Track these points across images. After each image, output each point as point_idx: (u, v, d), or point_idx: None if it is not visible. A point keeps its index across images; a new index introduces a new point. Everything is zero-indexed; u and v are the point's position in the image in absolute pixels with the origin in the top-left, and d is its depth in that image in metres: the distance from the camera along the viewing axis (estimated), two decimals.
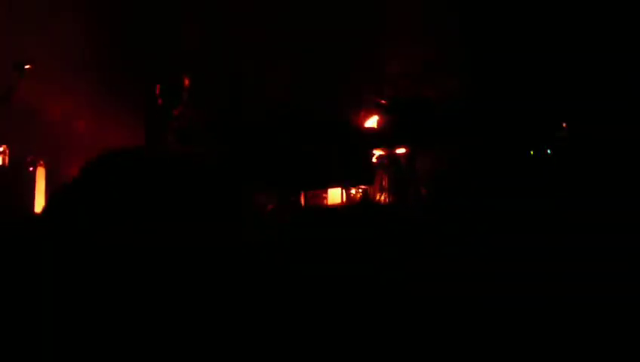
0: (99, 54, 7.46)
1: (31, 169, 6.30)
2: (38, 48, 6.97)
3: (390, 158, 7.00)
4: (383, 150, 7.07)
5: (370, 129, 7.16)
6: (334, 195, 7.09)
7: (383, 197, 7.01)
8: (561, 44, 7.41)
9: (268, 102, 7.39)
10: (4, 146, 6.28)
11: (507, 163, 7.05)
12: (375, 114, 7.15)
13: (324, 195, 7.14)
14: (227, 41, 7.78)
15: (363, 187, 6.94)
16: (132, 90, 7.37)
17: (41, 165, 6.42)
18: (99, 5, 7.59)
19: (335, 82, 7.68)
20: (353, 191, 6.95)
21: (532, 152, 7.11)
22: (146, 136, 6.68)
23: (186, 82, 6.58)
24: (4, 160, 6.23)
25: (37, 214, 6.19)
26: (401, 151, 7.01)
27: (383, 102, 7.02)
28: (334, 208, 6.87)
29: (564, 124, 7.15)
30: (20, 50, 6.96)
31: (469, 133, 7.10)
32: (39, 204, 6.31)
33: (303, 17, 7.92)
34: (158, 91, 6.42)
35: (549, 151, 7.09)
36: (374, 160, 7.05)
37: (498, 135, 7.18)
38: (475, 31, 7.64)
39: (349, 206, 6.69)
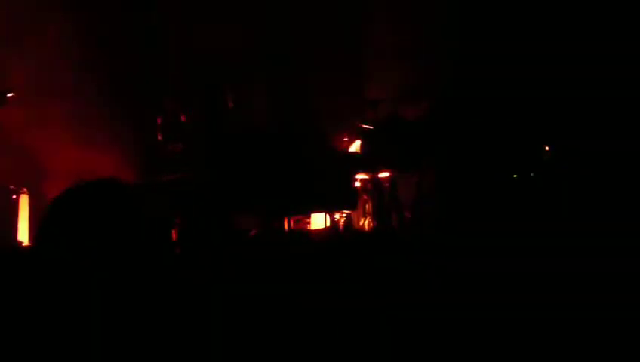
0: (84, 80, 7.46)
1: (14, 197, 6.29)
2: (21, 73, 6.98)
3: (373, 183, 7.03)
4: (366, 174, 7.10)
5: (353, 153, 7.19)
6: (318, 220, 7.11)
7: (366, 222, 7.04)
8: (539, 61, 7.46)
9: (250, 127, 7.41)
10: None
11: (491, 186, 7.07)
12: (358, 138, 7.19)
13: (307, 220, 7.16)
14: (208, 69, 7.81)
15: (347, 212, 6.96)
16: (120, 116, 7.41)
17: (24, 192, 6.41)
18: (84, 31, 7.61)
19: (318, 107, 7.71)
20: (337, 216, 6.98)
21: (515, 175, 7.13)
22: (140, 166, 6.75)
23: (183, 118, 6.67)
24: None
25: (20, 243, 6.19)
26: (384, 175, 7.04)
27: (366, 126, 7.05)
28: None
29: (546, 147, 7.17)
30: (2, 75, 6.99)
31: (450, 156, 7.12)
32: (22, 231, 6.30)
33: (285, 41, 7.98)
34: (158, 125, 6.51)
35: (532, 174, 7.11)
36: (358, 184, 7.08)
37: (480, 158, 7.20)
38: (456, 52, 7.70)
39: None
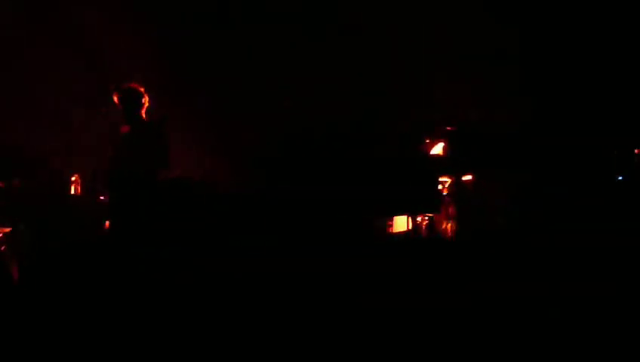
0: None
1: (102, 198, 6.42)
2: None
3: (457, 186, 6.92)
4: (449, 177, 7.00)
5: (437, 156, 7.10)
6: (400, 223, 7.04)
7: (449, 226, 6.93)
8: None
9: (333, 129, 7.40)
10: (77, 175, 6.41)
11: (579, 189, 6.91)
12: (442, 141, 7.09)
13: (389, 223, 7.10)
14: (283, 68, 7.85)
15: (429, 215, 6.87)
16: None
17: None
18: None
19: (403, 110, 7.68)
20: (419, 218, 6.89)
21: (605, 178, 6.96)
22: None
23: None
24: (76, 189, 6.37)
25: None
26: (467, 178, 6.93)
27: (450, 129, 6.95)
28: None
29: (636, 150, 6.98)
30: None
31: (536, 160, 6.98)
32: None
33: (372, 45, 7.96)
34: None
35: (620, 178, 6.93)
36: (440, 187, 6.98)
37: (567, 162, 7.05)
38: (541, 55, 7.58)
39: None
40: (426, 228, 6.88)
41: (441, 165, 6.90)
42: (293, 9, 7.95)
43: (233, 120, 7.89)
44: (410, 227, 6.91)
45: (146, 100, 6.02)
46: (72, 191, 6.36)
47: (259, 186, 6.61)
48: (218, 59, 7.96)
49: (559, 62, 7.55)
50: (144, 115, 5.96)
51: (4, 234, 5.40)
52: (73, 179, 6.40)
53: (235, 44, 8.03)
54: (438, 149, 7.22)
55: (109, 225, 5.64)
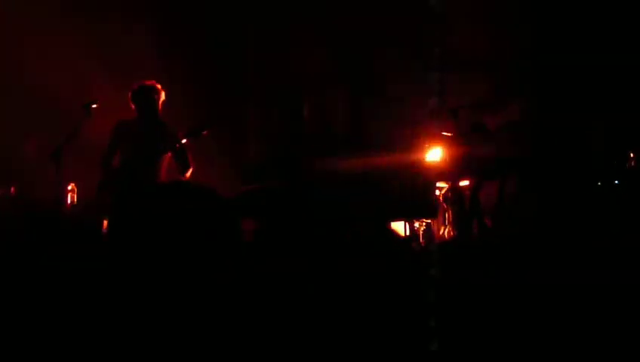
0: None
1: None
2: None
3: (453, 191, 6.92)
4: (446, 183, 7.00)
5: (434, 162, 7.10)
6: (397, 229, 7.04)
7: (446, 231, 6.94)
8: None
9: (330, 136, 7.40)
10: (73, 184, 6.38)
11: (574, 194, 6.92)
12: (439, 146, 7.10)
13: None
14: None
15: (427, 220, 6.87)
16: None
17: None
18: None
19: (399, 114, 7.68)
20: (417, 224, 6.89)
21: (600, 183, 6.96)
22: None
23: None
24: (72, 198, 6.34)
25: None
26: (464, 183, 6.93)
27: (446, 134, 6.95)
28: None
29: (631, 154, 6.99)
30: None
31: (533, 163, 6.99)
32: None
33: (364, 47, 7.97)
34: None
35: (616, 181, 6.93)
36: (437, 193, 6.98)
37: (563, 165, 7.06)
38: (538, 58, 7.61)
39: None
40: (423, 234, 6.88)
41: (437, 171, 6.91)
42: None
43: (225, 124, 7.89)
44: (407, 233, 6.93)
45: (162, 97, 6.04)
46: (69, 201, 6.32)
47: (253, 190, 6.59)
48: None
49: (550, 67, 7.56)
50: (160, 113, 5.95)
51: None
52: (69, 188, 6.37)
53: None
54: (435, 155, 7.22)
55: (109, 224, 5.59)
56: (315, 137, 7.16)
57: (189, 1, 8.07)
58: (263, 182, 6.41)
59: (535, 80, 7.49)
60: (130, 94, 6.14)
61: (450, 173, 6.86)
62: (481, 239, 6.55)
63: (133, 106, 6.11)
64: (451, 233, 6.86)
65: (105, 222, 5.64)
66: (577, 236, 6.16)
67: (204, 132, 6.01)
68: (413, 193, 6.64)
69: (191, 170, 6.28)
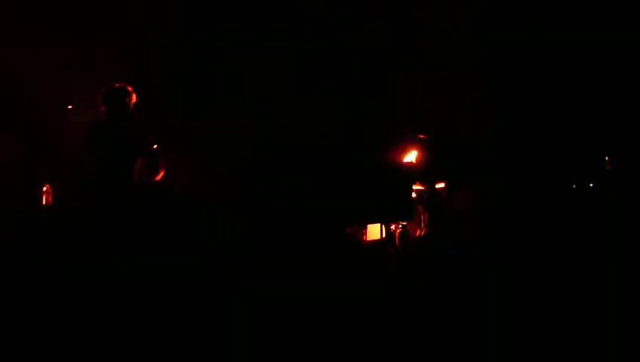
0: None
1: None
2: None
3: (429, 193, 6.95)
4: (422, 185, 7.03)
5: (410, 164, 7.13)
6: (374, 231, 7.06)
7: (422, 233, 6.96)
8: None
9: (306, 139, 7.40)
10: (47, 186, 6.35)
11: (549, 196, 6.97)
12: (414, 149, 7.12)
13: (363, 231, 7.11)
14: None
15: (403, 223, 6.89)
16: None
17: None
18: None
19: (375, 118, 7.70)
20: (393, 226, 6.91)
21: (574, 186, 7.02)
22: None
23: None
24: (47, 199, 6.30)
25: None
26: (440, 185, 6.96)
27: (422, 137, 6.98)
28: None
29: (606, 158, 7.06)
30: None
31: (506, 167, 7.04)
32: None
33: (339, 51, 7.99)
34: None
35: (591, 184, 6.99)
36: (413, 195, 7.01)
37: (538, 169, 7.11)
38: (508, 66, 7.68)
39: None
40: (399, 236, 6.90)
41: (413, 173, 6.94)
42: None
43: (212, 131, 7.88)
44: (383, 235, 6.94)
45: (133, 99, 6.01)
46: (44, 202, 6.29)
47: (234, 197, 6.60)
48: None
49: (528, 71, 7.62)
50: (132, 115, 5.93)
51: None
52: (44, 189, 6.33)
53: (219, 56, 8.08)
54: (410, 157, 7.25)
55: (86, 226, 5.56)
56: (292, 142, 7.15)
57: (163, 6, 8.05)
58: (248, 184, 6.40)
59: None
60: (99, 97, 6.11)
61: (426, 175, 6.89)
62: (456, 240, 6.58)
63: (103, 109, 6.08)
64: (426, 234, 6.89)
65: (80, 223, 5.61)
66: (552, 238, 6.22)
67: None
68: (389, 196, 6.66)
69: (161, 174, 6.24)
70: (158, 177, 6.14)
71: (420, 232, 7.00)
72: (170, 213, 5.97)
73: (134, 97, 5.96)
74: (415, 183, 6.95)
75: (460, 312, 4.65)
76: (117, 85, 5.99)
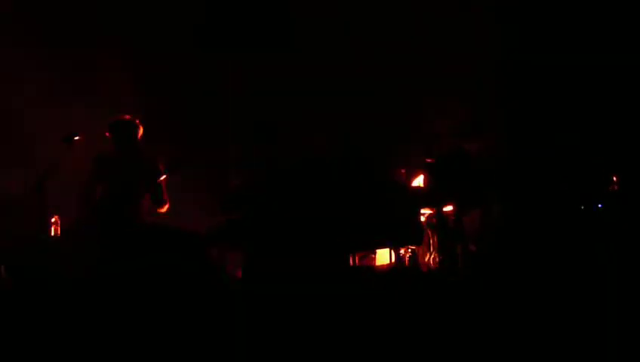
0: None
1: None
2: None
3: (438, 217, 6.93)
4: (430, 209, 7.02)
5: (418, 188, 7.13)
6: (383, 256, 7.05)
7: (432, 258, 6.95)
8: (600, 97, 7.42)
9: (311, 161, 7.40)
10: (56, 217, 6.35)
11: (557, 218, 6.95)
12: (422, 173, 7.12)
13: (372, 256, 7.11)
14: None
15: (412, 247, 6.88)
16: None
17: None
18: None
19: (382, 141, 7.72)
20: (402, 251, 6.90)
21: (583, 207, 6.99)
22: None
23: None
24: (56, 230, 6.30)
25: None
26: (448, 209, 6.95)
27: (430, 160, 6.98)
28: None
29: (614, 177, 7.04)
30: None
31: (515, 189, 7.03)
32: None
33: (344, 73, 8.02)
34: None
35: (600, 205, 6.96)
36: (422, 219, 7.00)
37: (545, 190, 7.10)
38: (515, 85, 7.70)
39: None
40: (409, 260, 6.88)
41: (422, 197, 6.93)
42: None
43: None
44: (393, 260, 6.93)
45: (140, 131, 6.02)
46: (53, 233, 6.29)
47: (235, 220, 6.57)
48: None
49: (534, 93, 7.65)
50: (139, 148, 5.93)
51: None
52: (53, 220, 6.33)
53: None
54: (418, 181, 7.25)
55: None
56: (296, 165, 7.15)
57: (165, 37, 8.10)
58: (243, 211, 6.35)
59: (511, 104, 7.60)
60: (107, 129, 6.12)
61: (434, 198, 6.87)
62: (465, 265, 6.56)
63: (110, 140, 6.09)
64: (436, 259, 6.87)
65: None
66: (560, 261, 6.20)
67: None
68: (398, 220, 6.63)
69: (167, 206, 6.25)
70: (164, 209, 6.14)
71: (429, 257, 6.99)
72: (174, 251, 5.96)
73: (141, 130, 5.97)
74: (423, 207, 6.94)
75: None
76: (125, 117, 6.01)
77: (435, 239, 6.96)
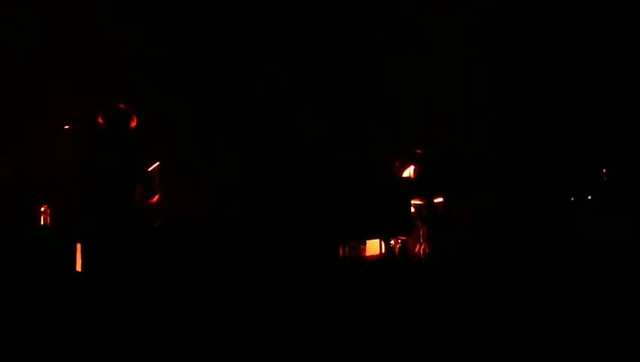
0: None
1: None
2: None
3: (428, 208, 6.93)
4: (420, 200, 7.02)
5: (408, 179, 7.12)
6: (373, 246, 7.04)
7: (422, 249, 6.95)
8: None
9: (304, 154, 7.40)
10: (45, 206, 6.32)
11: (547, 209, 6.97)
12: (412, 164, 7.12)
13: (362, 247, 7.10)
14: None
15: (402, 238, 6.88)
16: None
17: None
18: None
19: (372, 132, 7.72)
20: (392, 242, 6.89)
21: (572, 198, 7.02)
22: None
23: None
24: (45, 220, 6.27)
25: None
26: (438, 200, 6.95)
27: (420, 151, 6.98)
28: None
29: (604, 170, 7.06)
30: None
31: (505, 181, 7.04)
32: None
33: (337, 65, 8.01)
34: None
35: (589, 197, 6.98)
36: (412, 210, 6.99)
37: (536, 182, 7.12)
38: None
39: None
40: (398, 251, 6.89)
41: (412, 188, 6.93)
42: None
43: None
44: (383, 250, 6.92)
45: (134, 121, 5.97)
46: (42, 223, 6.25)
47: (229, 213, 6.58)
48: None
49: (524, 85, 7.66)
50: (132, 138, 5.89)
51: None
52: (42, 210, 6.30)
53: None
54: (408, 172, 7.25)
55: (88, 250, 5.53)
56: (289, 157, 7.16)
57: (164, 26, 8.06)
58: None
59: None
60: (100, 116, 6.07)
61: (424, 189, 6.87)
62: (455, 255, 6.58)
63: (103, 129, 6.04)
64: (426, 250, 6.87)
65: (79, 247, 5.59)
66: (551, 250, 6.22)
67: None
68: (388, 211, 6.64)
69: (157, 197, 6.20)
70: (154, 200, 6.11)
71: (420, 248, 6.99)
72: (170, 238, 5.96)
73: (135, 119, 5.93)
74: (414, 198, 6.94)
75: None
76: (118, 105, 5.96)
77: (425, 230, 6.95)
